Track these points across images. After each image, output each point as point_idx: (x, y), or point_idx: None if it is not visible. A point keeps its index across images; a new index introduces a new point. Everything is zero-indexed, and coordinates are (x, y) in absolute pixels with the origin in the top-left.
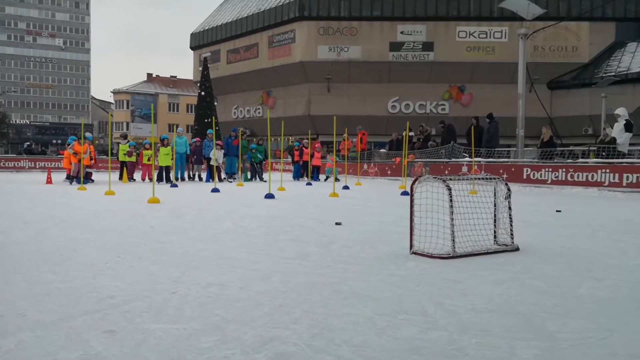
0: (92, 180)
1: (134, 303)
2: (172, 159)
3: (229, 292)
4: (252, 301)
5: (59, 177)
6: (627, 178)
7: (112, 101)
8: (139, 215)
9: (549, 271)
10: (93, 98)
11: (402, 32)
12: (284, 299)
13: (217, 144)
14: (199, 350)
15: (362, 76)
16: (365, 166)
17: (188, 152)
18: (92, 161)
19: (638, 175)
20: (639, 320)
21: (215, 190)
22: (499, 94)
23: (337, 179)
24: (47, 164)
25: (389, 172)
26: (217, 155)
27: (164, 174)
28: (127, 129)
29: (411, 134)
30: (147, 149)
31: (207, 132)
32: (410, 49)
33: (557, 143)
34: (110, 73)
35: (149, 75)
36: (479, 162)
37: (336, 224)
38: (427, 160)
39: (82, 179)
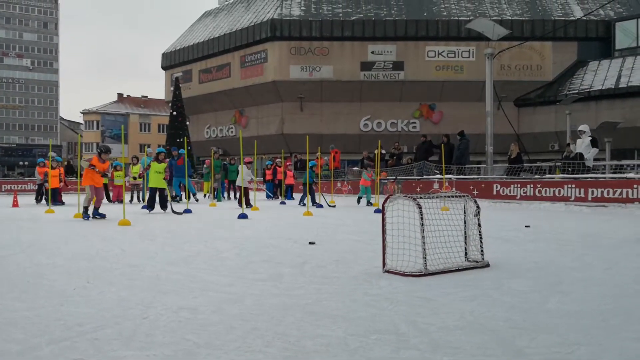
0: (62, 203)
1: (103, 330)
2: (164, 178)
3: (201, 316)
4: (225, 325)
5: (26, 200)
6: (592, 193)
7: (82, 122)
8: (109, 239)
9: (518, 286)
10: (62, 119)
11: (372, 52)
12: (257, 322)
13: (245, 163)
14: None
15: (334, 95)
16: (339, 184)
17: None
18: (61, 183)
19: (602, 189)
20: (605, 333)
21: (187, 211)
22: (467, 112)
23: (369, 203)
24: (14, 187)
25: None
26: (244, 175)
27: (156, 197)
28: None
29: (383, 152)
30: (119, 170)
31: (179, 152)
32: (381, 68)
33: (524, 159)
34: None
35: (120, 95)
36: (450, 179)
37: (310, 243)
38: (400, 177)
39: (49, 201)
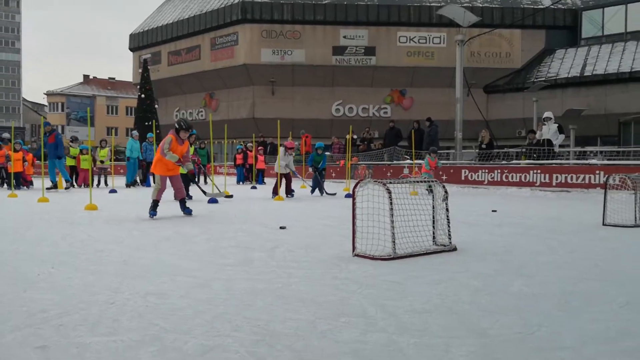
0: (31, 184)
1: (68, 316)
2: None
3: (169, 301)
4: (193, 310)
5: None
6: (557, 178)
7: (46, 103)
8: (75, 224)
9: (484, 270)
10: (25, 100)
11: (344, 37)
12: (226, 307)
13: (286, 148)
14: None
15: (306, 80)
16: (310, 169)
17: (141, 157)
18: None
19: (566, 175)
20: (566, 315)
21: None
22: (438, 98)
23: (429, 190)
24: None
25: (333, 174)
26: (287, 161)
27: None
28: (63, 133)
29: (354, 137)
30: (85, 154)
31: (147, 135)
32: (352, 53)
33: (497, 145)
34: (44, 74)
35: (86, 76)
36: (420, 164)
37: (280, 228)
38: (370, 162)
39: (11, 185)
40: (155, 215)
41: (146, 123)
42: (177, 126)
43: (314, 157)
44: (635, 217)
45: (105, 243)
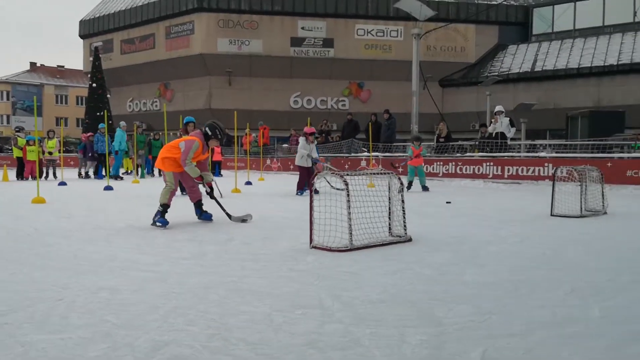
0: None
1: (14, 314)
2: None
3: (121, 296)
4: (146, 305)
5: None
6: (508, 170)
7: None
8: (21, 217)
9: (438, 260)
10: None
11: (302, 28)
12: (180, 301)
13: (307, 135)
14: None
15: (264, 70)
16: (268, 161)
17: (126, 148)
18: None
19: (517, 167)
20: (515, 302)
21: (108, 188)
22: (395, 91)
23: (425, 187)
24: None
25: (291, 166)
26: (309, 150)
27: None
28: (8, 123)
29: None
30: (31, 145)
31: (99, 126)
32: (311, 44)
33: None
34: None
35: (33, 64)
36: (377, 156)
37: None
38: (328, 155)
39: None
40: (166, 224)
41: (98, 113)
42: (209, 132)
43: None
44: (581, 208)
45: (53, 237)
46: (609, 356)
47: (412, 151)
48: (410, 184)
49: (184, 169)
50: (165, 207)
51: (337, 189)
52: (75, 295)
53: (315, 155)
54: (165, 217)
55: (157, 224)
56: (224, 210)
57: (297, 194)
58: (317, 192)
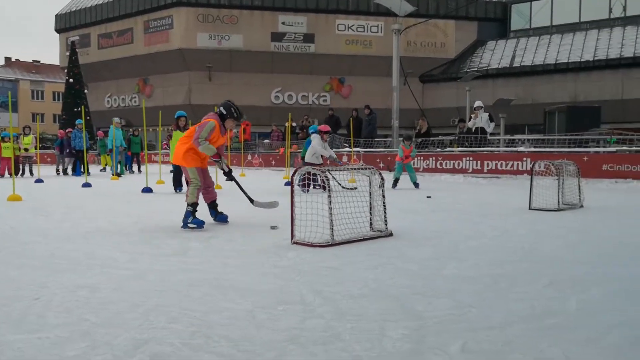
0: None
1: None
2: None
3: (100, 294)
4: (126, 303)
5: None
6: (488, 165)
7: None
8: None
9: (418, 254)
10: None
11: (283, 23)
12: (161, 298)
13: (321, 132)
14: None
15: (244, 66)
16: (250, 157)
17: (124, 145)
18: None
19: (497, 162)
20: (494, 296)
21: (86, 185)
22: (376, 87)
23: (416, 184)
24: None
25: (273, 162)
26: (323, 147)
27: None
28: None
29: (293, 124)
30: (6, 142)
31: (77, 122)
32: (291, 40)
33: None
34: None
35: (7, 59)
36: (358, 152)
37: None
38: None
39: None
40: (202, 224)
41: (75, 109)
42: (223, 111)
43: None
44: (559, 202)
45: (30, 235)
46: (586, 347)
47: (402, 151)
48: (396, 181)
49: (198, 149)
50: (195, 206)
51: (348, 188)
52: (52, 294)
53: (329, 152)
54: (197, 217)
55: (191, 225)
56: (245, 193)
57: (302, 191)
58: (307, 190)
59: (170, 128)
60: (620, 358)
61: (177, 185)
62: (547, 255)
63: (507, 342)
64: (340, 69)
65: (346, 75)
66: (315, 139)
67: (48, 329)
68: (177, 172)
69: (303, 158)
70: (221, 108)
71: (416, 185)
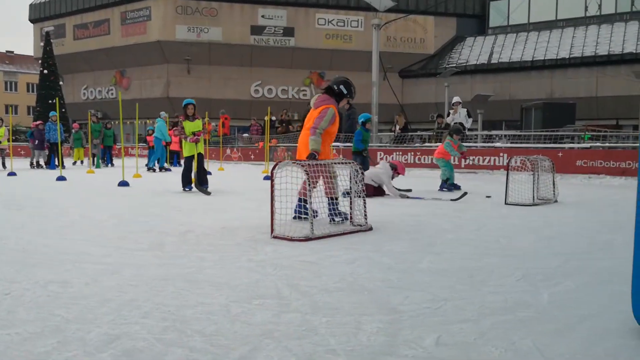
0: None
1: None
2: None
3: (72, 289)
4: (99, 298)
5: None
6: (465, 160)
7: None
8: None
9: (396, 248)
10: None
11: (263, 16)
12: (135, 293)
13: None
14: (34, 356)
15: (224, 59)
16: (229, 151)
17: (169, 139)
18: None
19: (474, 157)
20: (469, 289)
21: (61, 178)
22: (355, 81)
23: (453, 185)
24: None
25: (252, 156)
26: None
27: (192, 173)
28: None
29: (273, 118)
30: None
31: (50, 114)
32: (271, 33)
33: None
34: None
35: None
36: (338, 146)
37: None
38: (290, 144)
39: None
40: (347, 217)
41: (50, 101)
42: (344, 90)
43: (362, 135)
44: (534, 197)
45: (2, 230)
46: (557, 339)
47: (451, 147)
48: (447, 181)
49: (310, 136)
50: (337, 199)
51: (405, 192)
52: (23, 289)
53: (394, 193)
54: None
55: (336, 219)
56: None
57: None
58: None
59: (179, 120)
60: (589, 349)
61: (186, 183)
62: (521, 249)
63: (481, 335)
64: (320, 63)
65: (326, 69)
66: (385, 170)
67: (18, 325)
68: (187, 169)
69: (358, 152)
70: (341, 86)
71: (453, 186)
